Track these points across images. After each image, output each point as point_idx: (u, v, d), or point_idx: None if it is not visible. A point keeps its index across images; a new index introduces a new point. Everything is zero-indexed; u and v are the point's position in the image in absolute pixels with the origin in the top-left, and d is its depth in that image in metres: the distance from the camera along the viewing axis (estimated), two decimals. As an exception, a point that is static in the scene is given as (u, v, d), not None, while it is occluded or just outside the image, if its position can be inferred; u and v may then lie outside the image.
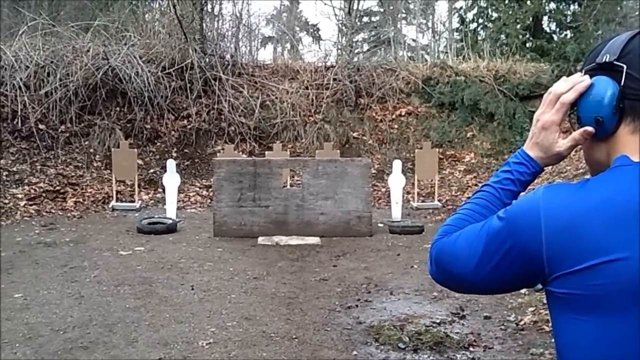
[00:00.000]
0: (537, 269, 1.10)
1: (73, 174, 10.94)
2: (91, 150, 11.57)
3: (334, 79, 13.73)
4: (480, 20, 20.42)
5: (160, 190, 10.87)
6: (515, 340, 4.58)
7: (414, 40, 31.56)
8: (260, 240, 8.05)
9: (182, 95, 12.84)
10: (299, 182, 9.68)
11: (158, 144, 12.27)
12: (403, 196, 10.12)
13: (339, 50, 16.36)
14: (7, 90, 11.19)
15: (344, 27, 16.23)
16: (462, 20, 21.44)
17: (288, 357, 4.28)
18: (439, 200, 10.82)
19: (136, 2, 15.68)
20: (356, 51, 18.40)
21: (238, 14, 15.62)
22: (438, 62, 15.13)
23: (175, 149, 12.21)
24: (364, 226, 8.45)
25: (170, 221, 8.83)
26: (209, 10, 14.97)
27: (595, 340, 1.07)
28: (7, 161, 10.60)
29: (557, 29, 18.56)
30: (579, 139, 1.21)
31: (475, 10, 20.64)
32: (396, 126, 13.42)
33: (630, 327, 1.03)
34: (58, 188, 10.41)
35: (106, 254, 7.22)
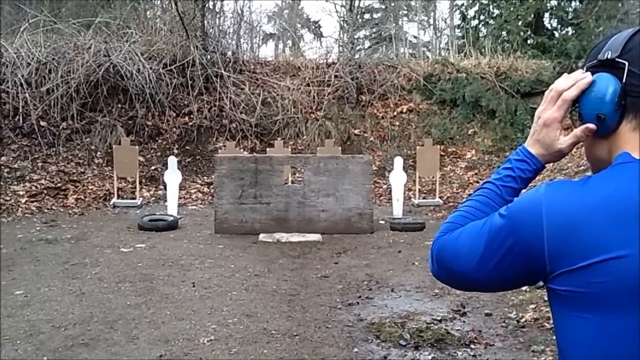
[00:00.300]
0: (538, 266, 1.10)
1: (74, 170, 10.95)
2: (92, 147, 11.57)
3: (336, 76, 13.72)
4: (482, 17, 20.36)
5: (161, 187, 10.87)
6: (516, 337, 4.58)
7: (415, 37, 31.52)
8: (262, 237, 8.05)
9: (183, 92, 12.83)
10: (300, 179, 9.67)
11: (159, 140, 12.27)
12: (404, 193, 10.11)
13: (341, 47, 16.33)
14: (8, 87, 11.19)
15: (345, 24, 16.20)
16: (464, 17, 21.39)
17: (289, 354, 4.28)
18: (440, 197, 10.81)
19: (137, -1, 15.65)
20: (357, 48, 18.35)
21: (239, 11, 15.64)
22: (439, 59, 15.09)
23: (176, 146, 12.21)
24: (365, 223, 8.45)
25: (172, 218, 8.83)
26: (211, 7, 14.96)
27: (595, 338, 1.07)
28: (9, 158, 10.60)
29: (559, 26, 18.52)
30: (580, 136, 1.21)
31: (476, 7, 20.58)
32: (397, 123, 13.41)
33: (630, 325, 1.03)
34: (59, 185, 10.41)
35: (107, 251, 7.23)
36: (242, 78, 13.36)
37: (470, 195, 1.38)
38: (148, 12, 16.04)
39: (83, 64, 11.72)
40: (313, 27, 32.22)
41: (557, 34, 17.98)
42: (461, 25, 21.89)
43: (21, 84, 11.17)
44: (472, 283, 1.25)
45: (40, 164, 10.77)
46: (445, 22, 30.76)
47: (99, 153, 11.50)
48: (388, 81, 13.73)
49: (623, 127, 1.15)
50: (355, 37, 18.17)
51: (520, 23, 16.76)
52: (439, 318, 5.02)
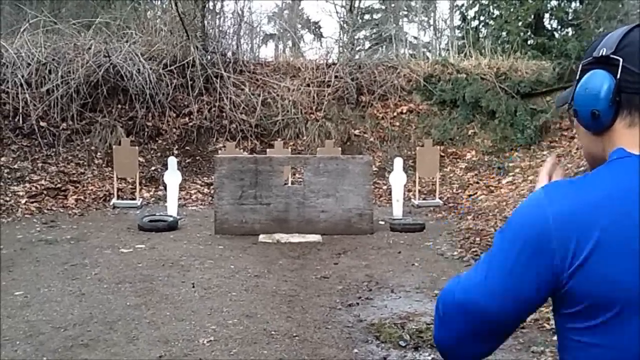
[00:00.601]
0: (553, 269, 1.08)
1: (74, 171, 10.95)
2: (92, 147, 11.57)
3: (336, 77, 13.72)
4: (482, 18, 20.37)
5: (161, 187, 10.87)
6: (515, 338, 4.57)
7: (415, 38, 31.54)
8: (261, 237, 8.05)
9: (183, 92, 12.83)
10: (300, 179, 9.67)
11: (159, 141, 12.26)
12: (404, 194, 10.11)
13: (341, 48, 16.35)
14: (8, 88, 11.19)
15: (345, 25, 16.23)
16: (464, 18, 21.41)
17: (289, 354, 4.28)
18: (440, 198, 10.81)
19: (138, -1, 15.66)
20: (357, 49, 18.38)
21: (239, 12, 15.64)
22: (439, 60, 15.10)
23: (176, 147, 12.21)
24: (365, 224, 8.45)
25: (171, 219, 8.83)
26: (211, 7, 14.98)
27: (597, 345, 1.08)
28: (8, 158, 10.60)
29: (559, 27, 18.52)
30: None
31: (476, 8, 20.59)
32: (397, 124, 13.41)
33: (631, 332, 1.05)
34: (59, 185, 10.41)
35: (107, 251, 7.22)
36: (242, 79, 13.36)
37: None
38: (148, 13, 16.05)
39: (83, 65, 11.72)
40: (313, 28, 32.24)
41: (557, 35, 17.98)
42: (461, 26, 21.91)
43: (21, 85, 11.17)
44: (487, 316, 1.15)
45: (40, 165, 10.77)
46: (446, 23, 30.79)
47: (99, 154, 11.50)
48: (388, 82, 13.74)
49: (618, 124, 1.15)
50: (356, 37, 18.18)
51: (520, 24, 16.76)
52: (438, 319, 5.01)
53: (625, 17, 14.25)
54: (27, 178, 10.32)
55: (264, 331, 4.70)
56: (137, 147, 10.81)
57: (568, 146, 11.52)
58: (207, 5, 14.25)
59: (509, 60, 14.39)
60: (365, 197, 8.48)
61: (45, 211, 9.57)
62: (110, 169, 10.87)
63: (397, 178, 9.74)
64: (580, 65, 1.23)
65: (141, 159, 11.29)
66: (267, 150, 11.24)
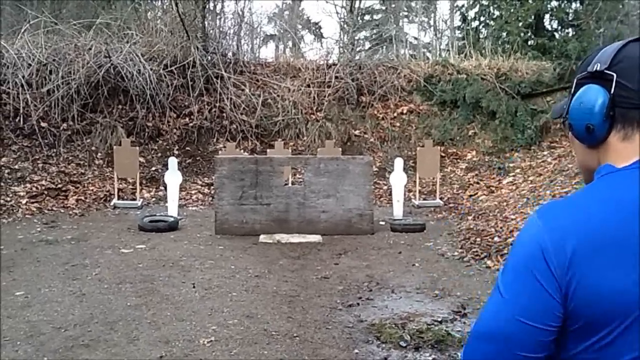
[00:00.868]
0: (556, 295, 1.09)
1: (75, 171, 10.95)
2: (93, 148, 11.57)
3: (336, 77, 13.73)
4: (482, 18, 20.37)
5: (161, 188, 10.88)
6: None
7: (415, 39, 31.54)
8: (262, 238, 8.05)
9: (184, 93, 12.84)
10: (301, 180, 9.68)
11: (160, 141, 12.27)
12: (404, 194, 10.11)
13: (341, 48, 16.37)
14: (9, 88, 11.20)
15: (345, 25, 16.24)
16: (464, 18, 21.41)
17: (289, 355, 4.28)
18: (440, 198, 10.81)
19: (138, 0, 15.67)
20: (358, 49, 18.37)
21: (240, 12, 15.66)
22: (440, 60, 15.11)
23: (176, 147, 12.21)
24: (366, 224, 8.45)
25: (172, 219, 8.84)
26: (211, 8, 14.98)
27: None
28: (9, 159, 10.61)
29: (559, 27, 18.52)
30: None
31: (477, 9, 20.59)
32: (398, 124, 13.41)
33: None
34: (60, 186, 10.42)
35: (108, 251, 7.23)
36: (243, 79, 13.36)
37: None
38: (149, 13, 16.06)
39: (84, 65, 11.73)
40: (313, 28, 32.25)
41: (557, 35, 17.98)
42: (461, 27, 21.90)
43: (22, 85, 11.18)
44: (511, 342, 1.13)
45: (40, 165, 10.78)
46: (446, 24, 30.78)
47: (99, 154, 11.51)
48: (388, 82, 13.74)
49: (612, 138, 1.17)
50: (356, 38, 18.19)
51: (520, 24, 16.77)
52: (439, 319, 5.02)
53: (625, 17, 14.26)
54: (28, 178, 10.33)
55: (265, 331, 4.70)
56: (137, 148, 10.81)
57: (568, 146, 11.50)
58: (207, 6, 14.26)
59: (510, 60, 14.39)
60: (365, 198, 8.48)
61: (46, 211, 9.58)
62: (110, 169, 10.88)
63: (398, 178, 9.74)
64: (575, 79, 1.25)
65: (142, 160, 11.30)
66: (268, 150, 11.24)
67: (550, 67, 13.49)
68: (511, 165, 11.66)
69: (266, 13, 36.69)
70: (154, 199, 10.76)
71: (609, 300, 1.05)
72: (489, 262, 6.78)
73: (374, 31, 27.97)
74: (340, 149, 11.49)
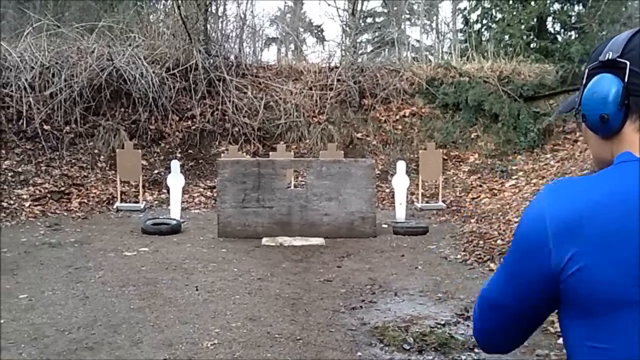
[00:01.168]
0: (549, 270, 1.11)
1: (78, 174, 10.97)
2: (96, 151, 11.59)
3: (338, 80, 13.75)
4: (484, 21, 20.39)
5: (164, 190, 10.89)
6: (519, 341, 4.56)
7: (417, 41, 31.55)
8: (264, 241, 8.05)
9: (186, 96, 12.86)
10: (303, 182, 9.68)
11: (162, 144, 12.29)
12: (407, 197, 10.11)
13: (343, 51, 16.37)
14: (12, 91, 11.23)
15: (347, 28, 16.25)
16: (466, 21, 21.43)
17: (292, 358, 4.28)
18: (443, 201, 10.81)
19: (141, 3, 15.70)
20: (360, 52, 18.39)
21: (242, 15, 15.69)
22: (442, 63, 15.13)
23: (179, 150, 12.23)
24: (368, 227, 8.45)
25: (175, 222, 8.84)
26: (213, 11, 15.00)
27: (590, 341, 1.09)
28: (12, 162, 10.63)
29: (562, 30, 18.51)
30: None
31: (479, 11, 20.62)
32: (400, 127, 13.42)
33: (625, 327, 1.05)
34: (63, 189, 10.43)
35: (111, 254, 7.24)
36: (245, 82, 13.39)
37: None
38: (151, 16, 16.10)
39: (86, 68, 11.76)
40: (315, 31, 32.29)
41: (560, 38, 17.97)
42: (464, 29, 21.94)
43: (25, 88, 11.21)
44: (506, 312, 1.24)
45: (43, 168, 10.80)
46: (448, 26, 30.79)
47: (102, 157, 11.53)
48: (390, 85, 13.75)
49: (627, 128, 1.15)
50: (358, 41, 18.19)
51: (523, 27, 16.75)
52: (442, 322, 5.01)
53: (628, 20, 14.23)
54: (31, 181, 10.35)
55: (268, 334, 4.70)
56: (140, 151, 10.83)
57: (571, 149, 11.51)
58: (209, 9, 14.29)
59: (512, 63, 14.40)
60: (368, 200, 8.49)
61: (49, 214, 9.59)
62: (113, 172, 10.90)
63: (400, 181, 9.74)
64: (586, 70, 1.23)
65: (144, 163, 11.32)
66: (270, 153, 11.26)
67: (553, 69, 13.48)
68: (514, 168, 11.66)
69: (268, 16, 36.77)
70: (156, 202, 10.77)
71: (607, 287, 1.05)
72: (492, 265, 6.78)
73: (376, 34, 28.00)
74: (342, 151, 11.49)
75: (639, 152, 1.13)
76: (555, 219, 1.09)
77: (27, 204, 9.69)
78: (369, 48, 25.86)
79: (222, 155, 11.65)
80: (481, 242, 7.72)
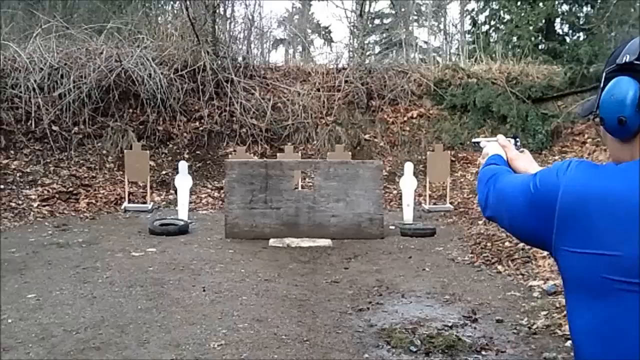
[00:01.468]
0: (547, 232, 1.19)
1: (86, 175, 11.01)
2: (104, 151, 11.64)
3: (346, 81, 13.74)
4: (492, 22, 20.34)
5: (172, 191, 10.92)
6: (527, 344, 4.55)
7: (425, 43, 31.48)
8: (272, 242, 8.05)
9: (194, 97, 12.89)
10: (311, 184, 9.68)
11: (170, 145, 12.32)
12: (414, 198, 10.09)
13: (351, 53, 16.38)
14: (21, 92, 11.29)
15: (355, 29, 16.24)
16: (474, 22, 21.38)
17: (299, 359, 4.28)
18: (450, 203, 10.78)
19: (149, 4, 15.76)
20: (368, 53, 18.37)
21: (250, 17, 15.72)
22: (450, 64, 15.10)
23: (187, 151, 12.25)
24: (376, 228, 8.44)
25: (182, 223, 8.86)
26: (221, 12, 15.04)
27: (586, 318, 1.14)
28: (21, 162, 10.68)
29: (570, 31, 18.46)
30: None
31: (487, 13, 20.57)
32: (408, 128, 13.40)
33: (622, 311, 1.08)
34: (71, 189, 10.47)
35: (118, 255, 7.25)
36: (253, 83, 13.40)
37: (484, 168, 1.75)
38: (159, 18, 16.16)
39: (95, 69, 11.81)
40: (323, 33, 32.28)
41: (568, 39, 17.92)
42: (472, 31, 21.88)
43: (34, 89, 11.26)
44: (510, 221, 1.43)
45: (52, 169, 10.84)
46: (456, 28, 30.71)
47: (110, 158, 11.57)
48: (398, 86, 13.74)
49: None
50: (366, 42, 18.17)
51: (531, 28, 16.72)
52: (449, 324, 5.00)
53: (637, 21, 14.17)
54: (39, 182, 10.40)
55: (275, 335, 4.70)
56: (148, 151, 10.86)
57: (580, 151, 11.46)
58: (217, 10, 14.31)
59: (520, 64, 14.36)
60: (375, 202, 8.48)
61: (57, 214, 9.63)
62: (121, 172, 10.93)
63: (408, 183, 9.73)
64: (604, 73, 1.23)
65: (152, 163, 11.34)
66: (278, 154, 11.26)
67: (561, 71, 13.43)
68: (522, 169, 11.60)
69: (276, 17, 36.78)
70: (164, 203, 10.79)
71: (600, 269, 1.09)
72: (499, 267, 6.75)
73: (384, 35, 28.00)
74: (350, 153, 11.49)
75: None
76: (566, 195, 1.14)
77: (35, 204, 9.73)
78: (377, 49, 25.86)
79: (230, 156, 11.67)
80: (489, 244, 7.69)
